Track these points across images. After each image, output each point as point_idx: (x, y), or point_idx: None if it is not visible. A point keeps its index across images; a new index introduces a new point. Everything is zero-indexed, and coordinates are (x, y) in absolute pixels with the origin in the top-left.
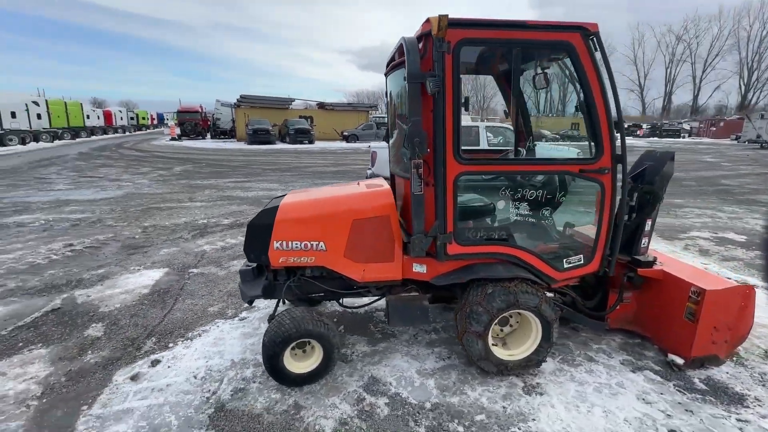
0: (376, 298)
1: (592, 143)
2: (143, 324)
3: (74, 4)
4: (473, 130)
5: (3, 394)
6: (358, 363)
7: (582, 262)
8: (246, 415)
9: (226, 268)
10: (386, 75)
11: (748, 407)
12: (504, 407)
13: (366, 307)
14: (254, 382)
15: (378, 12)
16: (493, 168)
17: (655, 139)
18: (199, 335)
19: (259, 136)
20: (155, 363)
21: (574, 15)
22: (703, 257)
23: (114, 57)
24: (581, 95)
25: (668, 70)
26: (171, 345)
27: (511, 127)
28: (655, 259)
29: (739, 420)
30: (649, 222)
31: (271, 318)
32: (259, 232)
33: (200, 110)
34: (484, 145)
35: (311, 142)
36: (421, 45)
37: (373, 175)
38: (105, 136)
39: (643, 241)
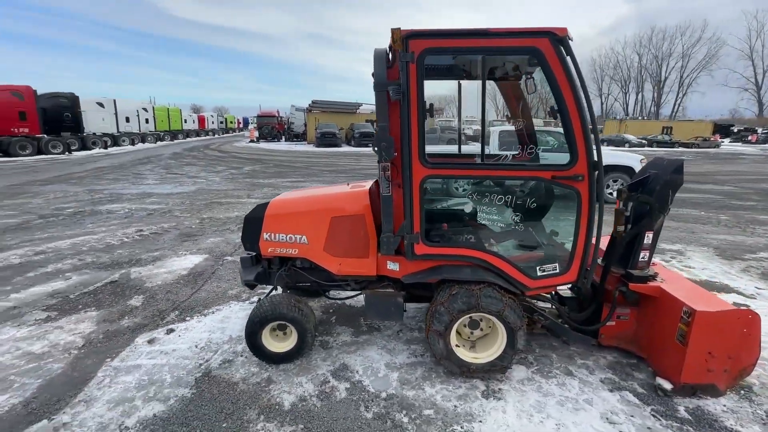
0: (357, 292)
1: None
2: (173, 299)
3: (186, 23)
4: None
5: (56, 343)
6: (335, 350)
7: (557, 271)
8: (225, 382)
9: None
10: None
11: None
12: (455, 406)
13: (362, 303)
14: (241, 356)
15: (459, 14)
16: (458, 172)
17: None
18: (213, 312)
19: (326, 139)
20: (170, 332)
21: (672, 6)
22: (763, 281)
23: (212, 67)
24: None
25: None
26: (188, 319)
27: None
28: (655, 274)
29: None
30: (649, 235)
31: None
32: (253, 225)
33: (276, 115)
34: (494, 150)
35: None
36: (390, 55)
37: None
38: (197, 138)
39: (641, 255)
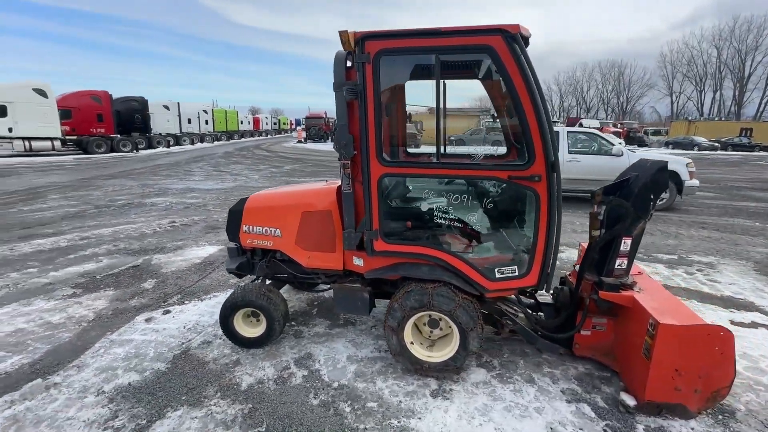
0: (328, 286)
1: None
2: (180, 284)
3: (249, 30)
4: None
5: (72, 316)
6: (305, 340)
7: (516, 273)
8: (198, 360)
9: None
10: None
11: None
12: (400, 401)
13: None
14: (220, 338)
15: (529, 10)
16: (414, 171)
17: None
18: (209, 298)
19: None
20: (166, 312)
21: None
22: None
23: (271, 71)
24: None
25: None
26: (186, 302)
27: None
28: (632, 283)
29: None
30: (627, 241)
31: None
32: (235, 217)
33: (324, 116)
34: (563, 152)
35: (417, 146)
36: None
37: None
38: (251, 139)
39: (618, 262)
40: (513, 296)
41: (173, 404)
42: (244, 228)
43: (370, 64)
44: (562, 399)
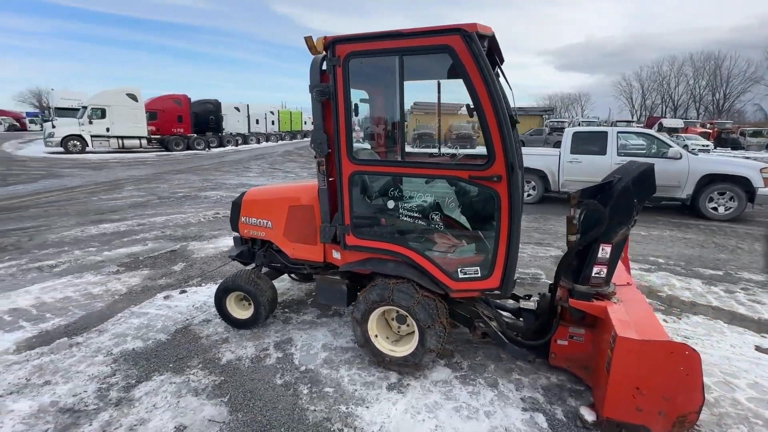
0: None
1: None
2: (203, 269)
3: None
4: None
5: (109, 289)
6: (291, 326)
7: (479, 275)
8: (193, 335)
9: None
10: None
11: None
12: (355, 390)
13: None
14: (218, 318)
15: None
16: (381, 169)
17: None
18: None
19: (422, 140)
20: (182, 292)
21: None
22: None
23: None
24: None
25: None
26: (203, 285)
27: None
28: (610, 294)
29: None
30: (606, 248)
31: None
32: (236, 208)
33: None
34: (612, 155)
35: (473, 147)
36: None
37: None
38: None
39: (595, 270)
40: (499, 301)
41: (160, 370)
42: (242, 219)
43: (341, 66)
44: (519, 407)
